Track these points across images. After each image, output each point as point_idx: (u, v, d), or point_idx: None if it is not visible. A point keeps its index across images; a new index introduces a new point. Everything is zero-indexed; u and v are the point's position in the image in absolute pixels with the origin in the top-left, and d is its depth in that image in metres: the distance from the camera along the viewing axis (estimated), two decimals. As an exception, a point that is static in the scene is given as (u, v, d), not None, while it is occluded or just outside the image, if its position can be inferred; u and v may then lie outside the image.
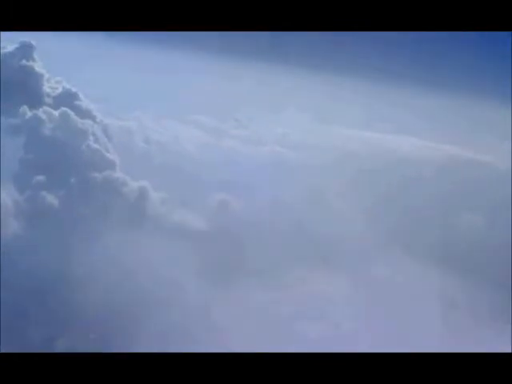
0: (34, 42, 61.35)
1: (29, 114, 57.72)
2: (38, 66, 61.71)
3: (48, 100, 60.69)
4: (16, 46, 60.84)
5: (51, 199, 54.63)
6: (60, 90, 61.90)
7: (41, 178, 55.31)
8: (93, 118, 60.13)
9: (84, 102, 61.32)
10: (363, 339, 40.54)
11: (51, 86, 62.05)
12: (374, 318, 46.57)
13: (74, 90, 61.78)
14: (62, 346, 44.33)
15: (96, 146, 57.87)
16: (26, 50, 60.81)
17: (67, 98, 60.75)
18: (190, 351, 17.53)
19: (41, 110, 57.94)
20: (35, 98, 59.76)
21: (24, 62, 60.75)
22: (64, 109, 58.12)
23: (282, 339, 40.90)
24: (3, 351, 31.43)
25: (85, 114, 59.85)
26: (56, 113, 58.03)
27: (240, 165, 72.25)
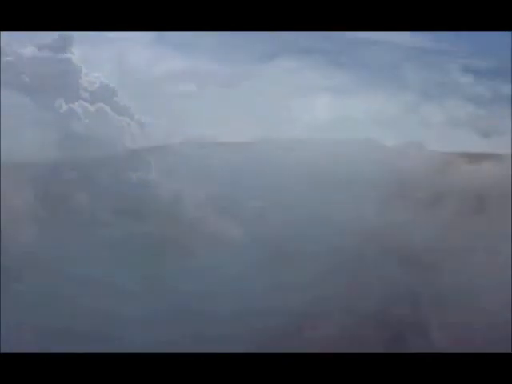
0: (74, 35, 60.27)
1: (64, 107, 56.81)
2: (76, 60, 60.80)
3: (85, 94, 59.59)
4: (55, 37, 59.99)
5: (81, 197, 53.33)
6: (98, 84, 60.83)
7: (72, 174, 54.12)
8: (130, 116, 58.98)
9: (122, 99, 60.14)
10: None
11: (89, 80, 61.03)
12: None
13: (112, 85, 60.54)
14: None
15: (132, 145, 56.78)
16: (65, 43, 59.83)
17: (105, 94, 59.74)
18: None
19: (77, 104, 56.98)
20: (72, 92, 58.99)
21: (63, 54, 59.76)
22: (101, 104, 56.99)
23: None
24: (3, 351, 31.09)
25: (122, 110, 58.67)
26: (92, 108, 56.94)
27: (279, 173, 70.71)
